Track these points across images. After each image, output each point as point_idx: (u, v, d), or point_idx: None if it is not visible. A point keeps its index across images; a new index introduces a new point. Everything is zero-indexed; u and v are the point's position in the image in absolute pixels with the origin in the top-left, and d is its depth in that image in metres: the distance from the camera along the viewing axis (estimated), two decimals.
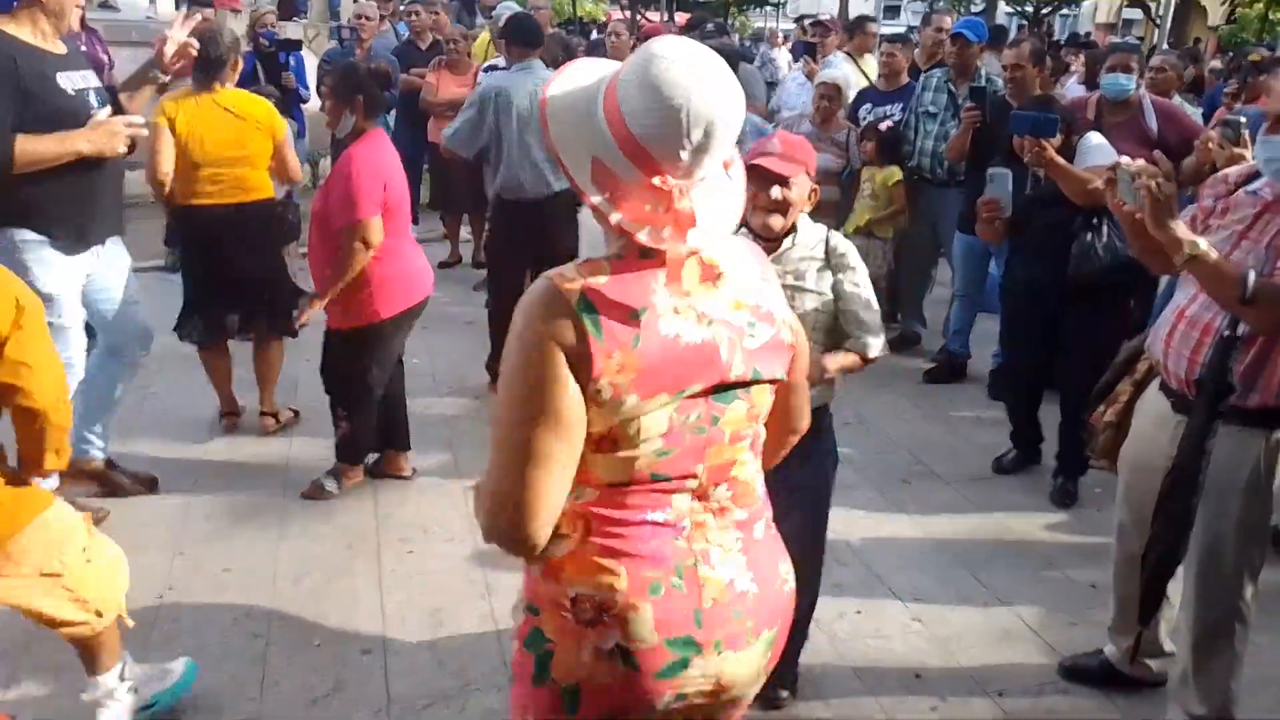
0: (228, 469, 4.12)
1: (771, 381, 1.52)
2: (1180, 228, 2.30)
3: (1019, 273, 4.09)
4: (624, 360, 1.36)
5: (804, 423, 1.72)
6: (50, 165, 3.19)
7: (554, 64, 5.07)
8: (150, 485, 3.88)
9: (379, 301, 3.66)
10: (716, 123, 1.34)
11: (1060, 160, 3.66)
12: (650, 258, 1.40)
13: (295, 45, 7.35)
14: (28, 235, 3.29)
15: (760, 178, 2.33)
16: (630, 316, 1.37)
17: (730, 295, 1.47)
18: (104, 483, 3.80)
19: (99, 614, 2.45)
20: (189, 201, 4.10)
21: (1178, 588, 2.75)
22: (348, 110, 3.60)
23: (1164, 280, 4.79)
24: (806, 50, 7.23)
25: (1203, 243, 2.29)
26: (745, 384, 1.48)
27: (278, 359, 4.44)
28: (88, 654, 2.54)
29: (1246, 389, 2.37)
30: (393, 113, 6.92)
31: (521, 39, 4.72)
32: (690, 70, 1.33)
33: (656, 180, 1.36)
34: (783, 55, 10.55)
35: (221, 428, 4.48)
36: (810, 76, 6.60)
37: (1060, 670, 2.99)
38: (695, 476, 1.48)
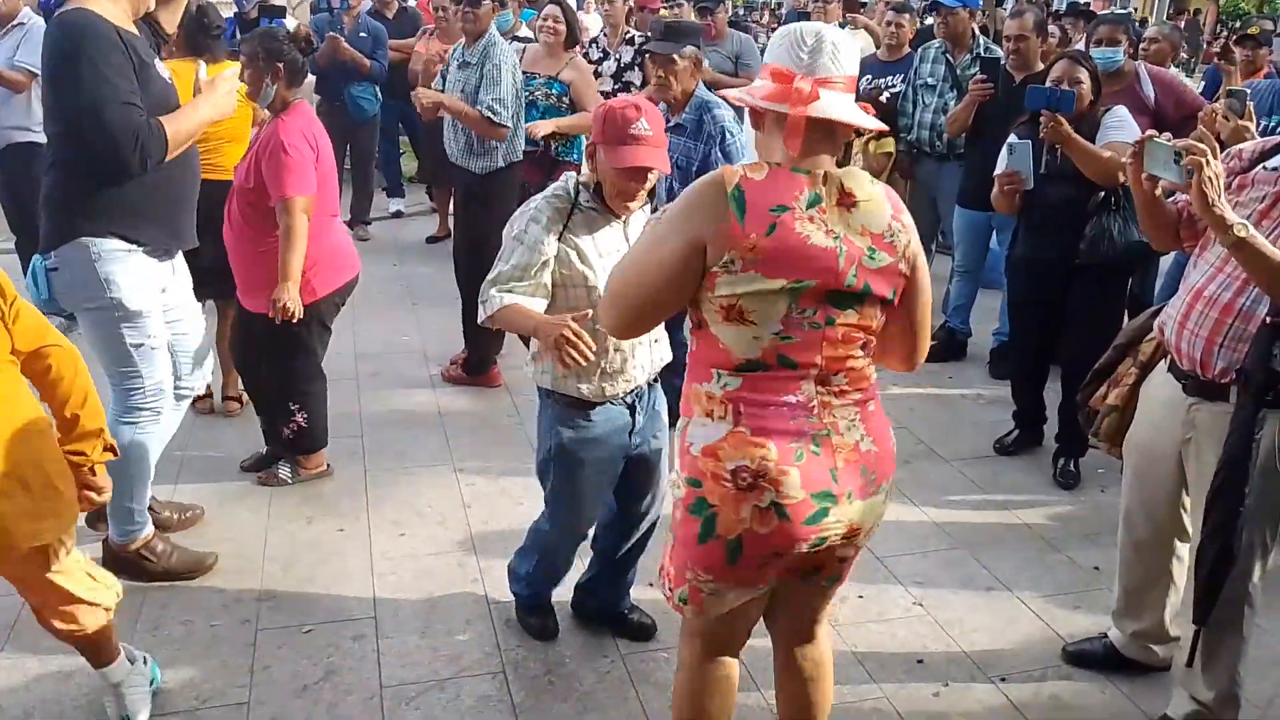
0: (211, 452, 4.05)
1: (881, 300, 1.89)
2: (1228, 209, 2.21)
3: (1026, 249, 4.01)
4: (756, 242, 1.77)
5: (919, 355, 2.11)
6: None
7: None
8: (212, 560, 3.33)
9: (315, 280, 3.51)
10: (824, 33, 1.83)
11: (1077, 136, 3.58)
12: (803, 173, 1.82)
13: (279, 11, 7.17)
14: (111, 244, 2.84)
15: (635, 173, 2.43)
16: (771, 210, 1.79)
17: (859, 222, 1.85)
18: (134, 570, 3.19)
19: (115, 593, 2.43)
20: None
21: (1183, 571, 2.71)
22: (268, 79, 3.44)
23: (1167, 260, 4.74)
24: (800, 19, 7.10)
25: (1250, 226, 2.20)
26: (857, 294, 1.85)
27: None
28: (93, 646, 2.45)
29: None
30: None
31: None
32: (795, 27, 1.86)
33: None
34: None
35: (194, 411, 4.40)
36: None
37: (1064, 655, 2.95)
38: (817, 365, 1.87)
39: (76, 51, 2.69)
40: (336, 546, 3.39)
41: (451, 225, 6.42)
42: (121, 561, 3.12)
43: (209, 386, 4.38)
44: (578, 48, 5.56)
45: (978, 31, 5.25)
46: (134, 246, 2.89)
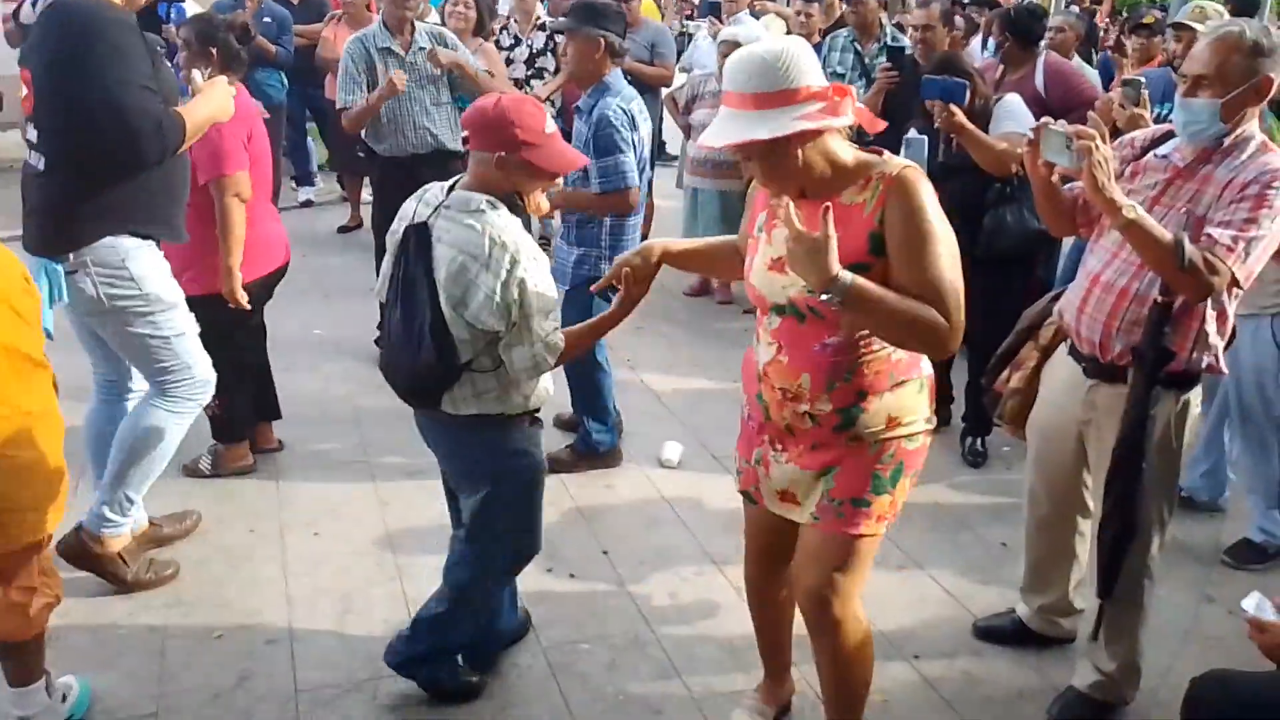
0: None
1: None
2: (1118, 191, 2.28)
3: None
4: None
5: None
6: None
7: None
8: (189, 526, 3.39)
9: (245, 263, 3.44)
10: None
11: (971, 126, 3.66)
12: None
13: None
14: (130, 242, 2.77)
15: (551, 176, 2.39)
16: None
17: None
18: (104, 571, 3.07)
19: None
20: None
21: (1085, 546, 2.81)
22: (203, 64, 3.37)
23: (1066, 244, 4.89)
24: (712, 10, 7.13)
25: (1139, 208, 2.28)
26: None
27: None
28: (22, 654, 2.36)
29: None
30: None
31: None
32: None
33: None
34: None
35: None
36: (715, 36, 6.50)
37: (974, 630, 3.03)
38: None
39: (90, 36, 2.55)
40: (248, 548, 3.31)
41: (366, 214, 6.29)
42: (90, 559, 2.98)
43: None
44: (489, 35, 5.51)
45: (885, 21, 5.32)
46: (148, 241, 2.83)
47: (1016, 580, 3.06)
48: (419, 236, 2.26)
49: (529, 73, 6.52)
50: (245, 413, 3.76)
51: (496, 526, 2.49)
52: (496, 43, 6.69)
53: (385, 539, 3.38)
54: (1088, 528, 2.77)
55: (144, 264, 2.81)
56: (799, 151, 1.98)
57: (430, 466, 3.82)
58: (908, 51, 4.86)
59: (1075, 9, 9.42)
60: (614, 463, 3.96)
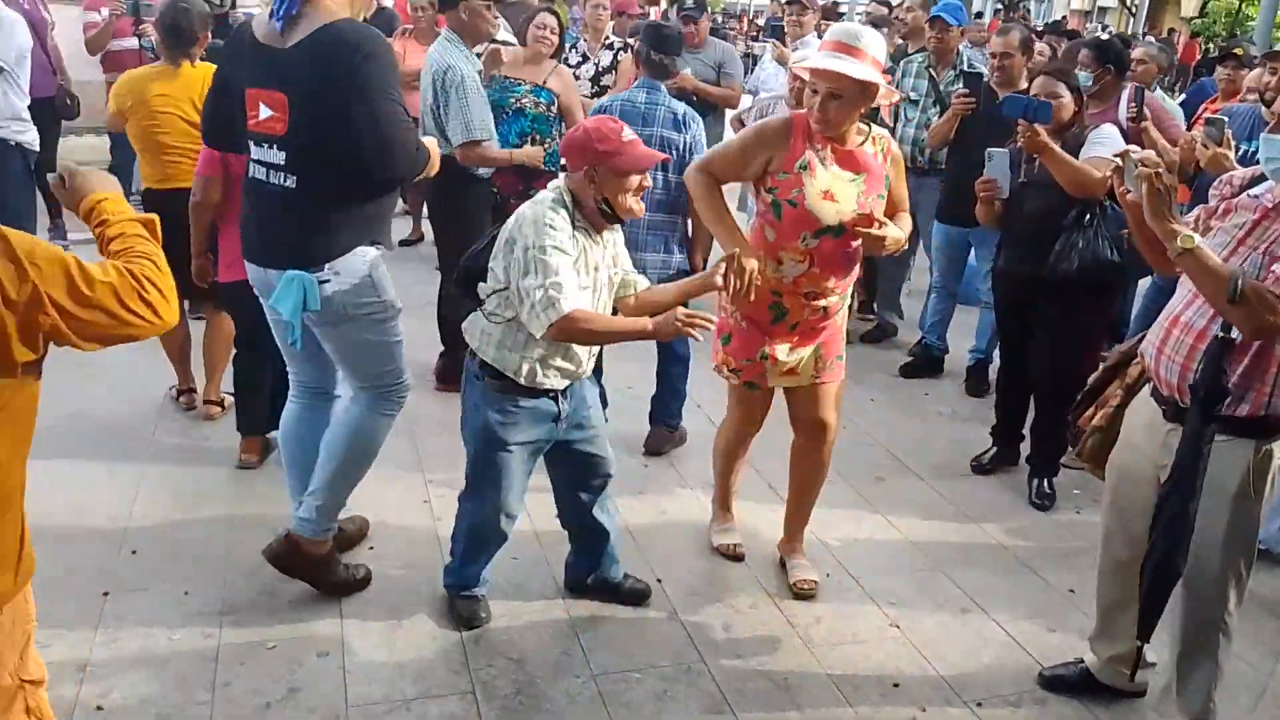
0: (176, 454, 3.96)
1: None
2: (1176, 221, 2.24)
3: (1004, 262, 4.01)
4: None
5: None
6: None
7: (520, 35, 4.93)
8: (363, 527, 3.46)
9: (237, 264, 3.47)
10: None
11: (1054, 146, 3.58)
12: None
13: None
14: (372, 251, 2.89)
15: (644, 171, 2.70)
16: None
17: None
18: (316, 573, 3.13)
19: None
20: (156, 187, 3.97)
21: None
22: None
23: (1144, 283, 4.76)
24: (774, 31, 7.08)
25: (1197, 238, 2.23)
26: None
27: (229, 334, 4.26)
28: None
29: (1237, 398, 2.32)
30: None
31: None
32: None
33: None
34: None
35: (171, 408, 4.33)
36: (779, 60, 6.46)
37: (1039, 679, 2.92)
38: None
39: (389, 62, 2.68)
40: None
41: (429, 228, 6.31)
42: (307, 563, 3.05)
43: (193, 380, 4.35)
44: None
45: (962, 48, 5.24)
46: (381, 249, 2.94)
47: (1083, 628, 2.96)
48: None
49: (594, 90, 6.54)
50: (245, 409, 3.86)
51: (467, 461, 2.89)
52: (565, 61, 6.73)
53: (437, 556, 3.35)
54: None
55: (382, 271, 2.91)
56: (865, 100, 2.84)
57: None
58: (985, 79, 4.77)
59: (1153, 40, 9.23)
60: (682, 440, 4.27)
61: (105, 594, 3.05)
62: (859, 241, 2.93)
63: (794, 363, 3.08)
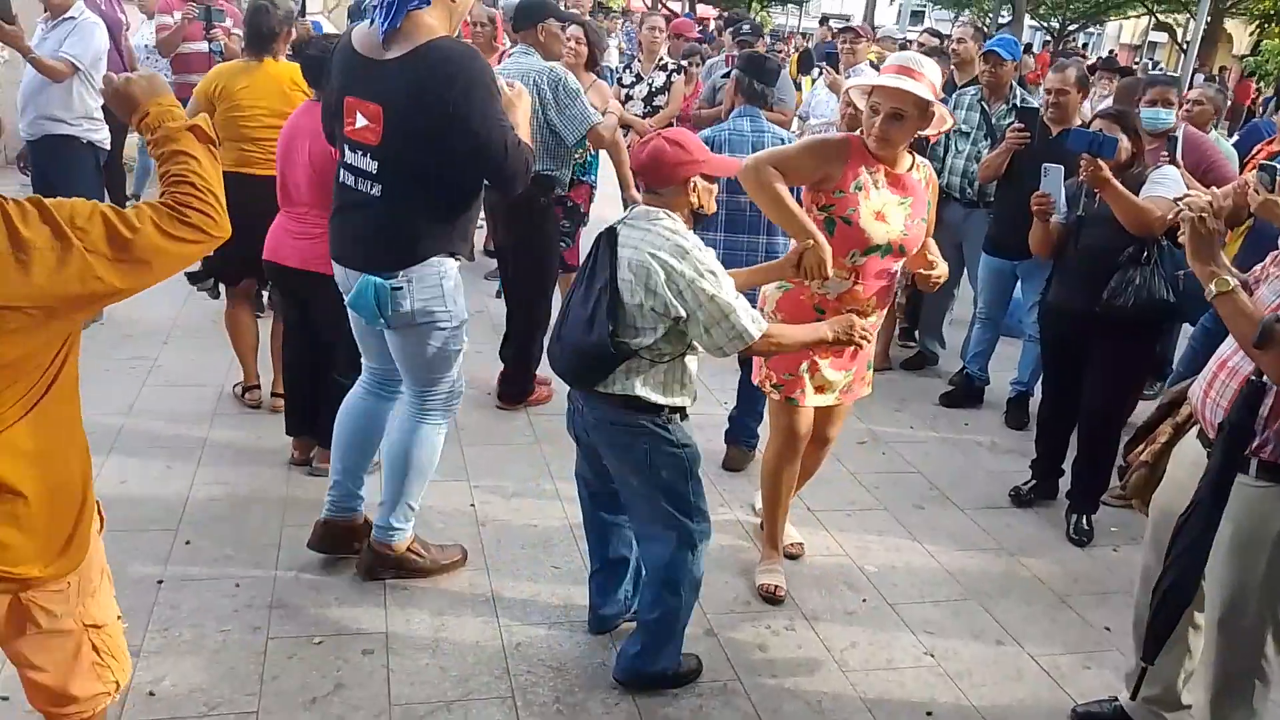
0: (232, 450, 4.06)
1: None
2: (1216, 264, 2.29)
3: (1056, 295, 4.02)
4: None
5: None
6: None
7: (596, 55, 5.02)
8: (463, 556, 3.42)
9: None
10: None
11: (1116, 182, 3.59)
12: None
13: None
14: (449, 261, 2.95)
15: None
16: None
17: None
18: (402, 568, 3.27)
19: (117, 685, 2.08)
20: (230, 168, 4.07)
21: (1199, 640, 2.70)
22: None
23: (1186, 325, 4.74)
24: (827, 58, 7.10)
25: (1232, 281, 2.27)
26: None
27: None
28: None
29: (1277, 445, 2.32)
30: None
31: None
32: None
33: None
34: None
35: (227, 404, 4.44)
36: (832, 87, 6.50)
37: (1073, 716, 2.93)
38: None
39: (489, 81, 2.76)
40: (349, 558, 3.38)
41: (484, 238, 6.39)
42: (390, 565, 3.24)
43: (258, 377, 4.45)
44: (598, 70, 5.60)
45: (1015, 83, 5.27)
46: (459, 261, 3.00)
47: (1118, 666, 2.97)
48: (608, 239, 2.60)
49: (646, 110, 6.63)
50: (289, 409, 3.97)
51: (658, 511, 2.71)
52: (619, 80, 6.82)
53: (480, 560, 3.42)
54: (1202, 620, 2.67)
55: (455, 283, 2.98)
56: (923, 122, 2.97)
57: (526, 489, 3.91)
58: (1039, 114, 4.79)
59: (1210, 82, 9.18)
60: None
61: (160, 582, 3.15)
62: (900, 264, 3.10)
63: (832, 382, 3.21)
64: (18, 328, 1.62)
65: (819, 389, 3.22)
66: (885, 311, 3.26)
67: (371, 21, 2.80)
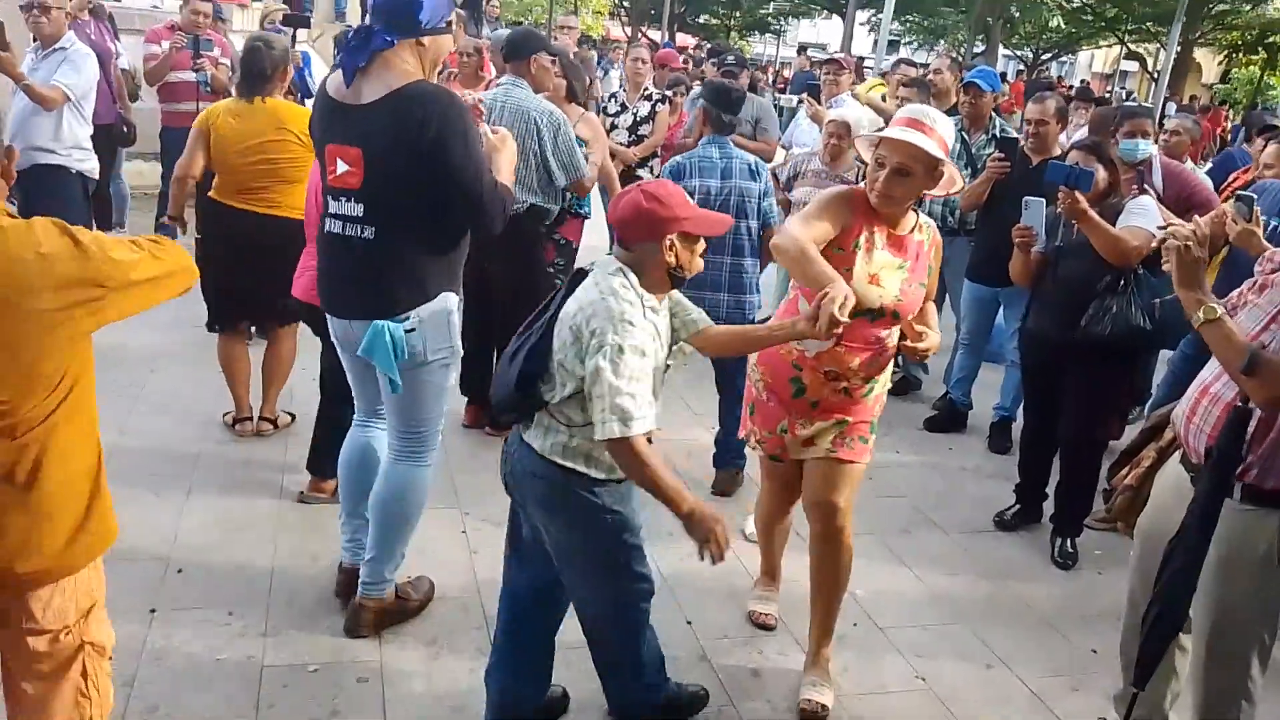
0: (224, 474, 4.07)
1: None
2: (1202, 291, 2.33)
3: (1035, 323, 4.10)
4: None
5: None
6: None
7: (575, 88, 5.05)
8: (431, 588, 3.39)
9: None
10: None
11: (1093, 213, 3.68)
12: None
13: (304, 23, 7.27)
14: (453, 299, 2.94)
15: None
16: None
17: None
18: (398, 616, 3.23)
19: None
20: (219, 198, 4.16)
21: (1185, 662, 2.75)
22: None
23: (1166, 351, 4.83)
24: (808, 88, 7.21)
25: (1219, 309, 2.32)
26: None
27: (289, 356, 4.40)
28: None
29: (1264, 470, 2.38)
30: None
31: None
32: None
33: None
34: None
35: (216, 432, 4.44)
36: (814, 118, 6.60)
37: None
38: None
39: (465, 124, 2.75)
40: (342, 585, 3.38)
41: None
42: (384, 617, 3.15)
43: (250, 409, 4.47)
44: (589, 101, 5.66)
45: (994, 114, 5.38)
46: (460, 296, 3.01)
47: (1106, 689, 3.01)
48: (576, 280, 2.44)
49: (631, 139, 6.70)
50: (315, 446, 3.92)
51: (590, 578, 2.55)
52: (604, 110, 6.89)
53: (473, 587, 3.44)
54: (1188, 641, 2.72)
55: (456, 317, 2.98)
56: (930, 182, 2.80)
57: None
58: (1019, 144, 4.90)
59: (1186, 112, 9.37)
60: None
61: (152, 611, 3.14)
62: (890, 331, 2.86)
63: (812, 434, 2.93)
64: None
65: (806, 443, 2.95)
66: (883, 379, 2.97)
67: (338, 66, 2.83)
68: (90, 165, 5.14)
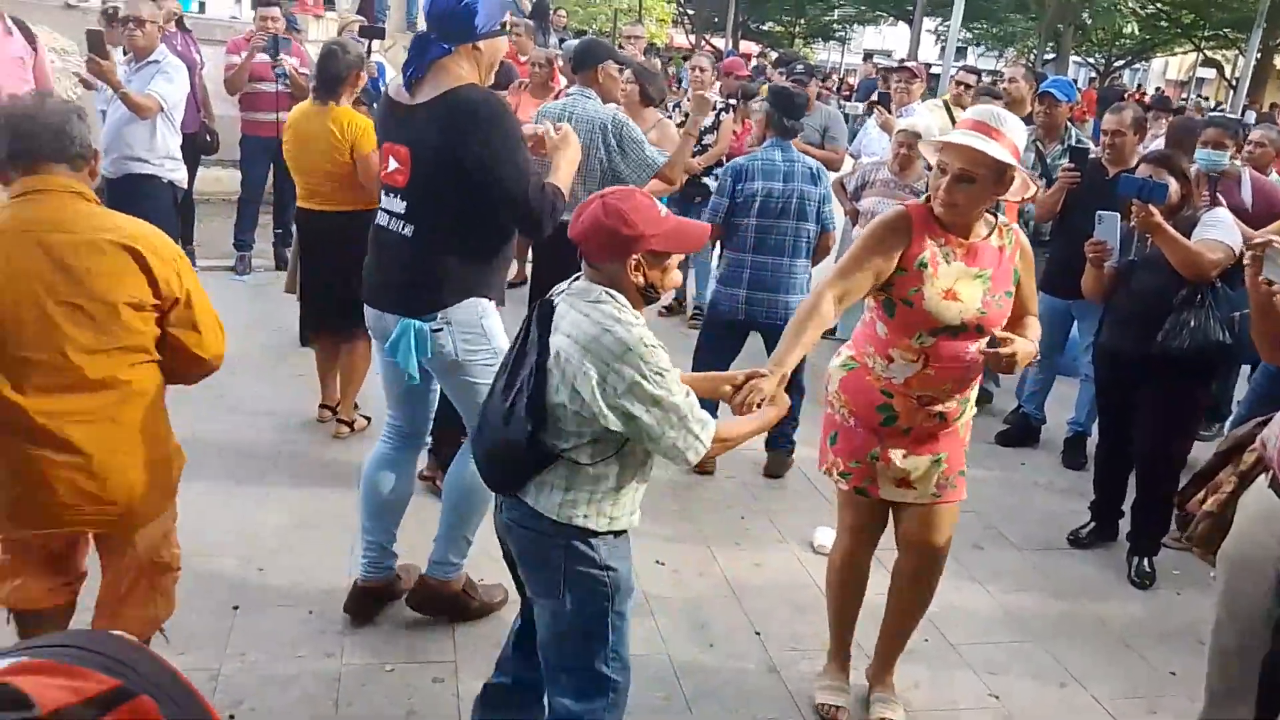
0: (301, 475, 4.17)
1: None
2: None
3: (1109, 338, 4.04)
4: None
5: None
6: None
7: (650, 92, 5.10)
8: (505, 596, 3.37)
9: None
10: None
11: (1168, 226, 3.61)
12: None
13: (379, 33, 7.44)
14: (485, 303, 2.97)
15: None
16: None
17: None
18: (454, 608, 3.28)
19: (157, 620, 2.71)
20: (302, 204, 4.36)
21: None
22: None
23: (1246, 368, 4.71)
24: (881, 99, 7.14)
25: None
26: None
27: (365, 358, 4.49)
28: None
29: None
30: None
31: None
32: None
33: None
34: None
35: (295, 432, 4.56)
36: (884, 127, 6.55)
37: None
38: None
39: (507, 127, 2.81)
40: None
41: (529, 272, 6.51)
42: (442, 601, 3.23)
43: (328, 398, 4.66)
44: (661, 107, 5.69)
45: (1069, 123, 5.30)
46: (494, 301, 3.04)
47: (1185, 712, 2.94)
48: (542, 312, 2.20)
49: (695, 149, 6.72)
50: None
51: (566, 646, 2.30)
52: (668, 117, 6.93)
53: None
54: None
55: (492, 320, 3.00)
56: (999, 188, 2.58)
57: None
58: (1091, 155, 4.83)
59: (1271, 125, 9.13)
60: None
61: (235, 608, 3.24)
62: (979, 344, 2.62)
63: (910, 471, 2.74)
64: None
65: (899, 482, 2.76)
66: (970, 396, 2.77)
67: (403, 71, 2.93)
68: (180, 175, 5.32)
